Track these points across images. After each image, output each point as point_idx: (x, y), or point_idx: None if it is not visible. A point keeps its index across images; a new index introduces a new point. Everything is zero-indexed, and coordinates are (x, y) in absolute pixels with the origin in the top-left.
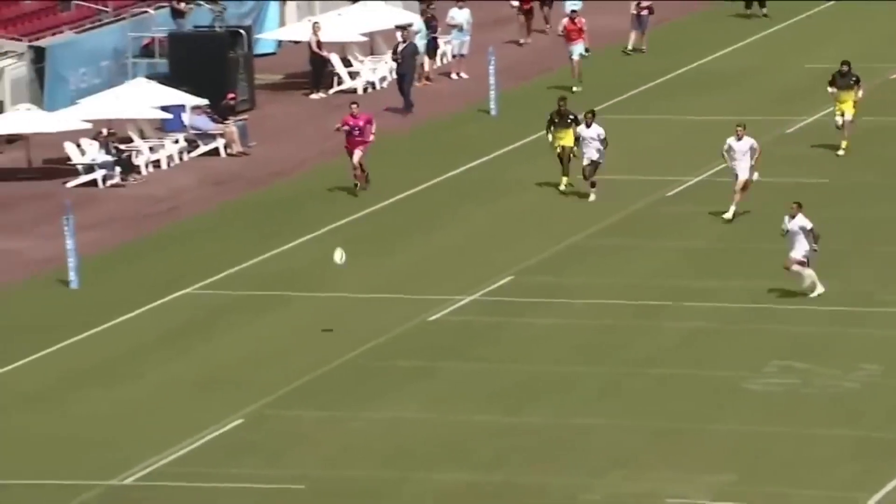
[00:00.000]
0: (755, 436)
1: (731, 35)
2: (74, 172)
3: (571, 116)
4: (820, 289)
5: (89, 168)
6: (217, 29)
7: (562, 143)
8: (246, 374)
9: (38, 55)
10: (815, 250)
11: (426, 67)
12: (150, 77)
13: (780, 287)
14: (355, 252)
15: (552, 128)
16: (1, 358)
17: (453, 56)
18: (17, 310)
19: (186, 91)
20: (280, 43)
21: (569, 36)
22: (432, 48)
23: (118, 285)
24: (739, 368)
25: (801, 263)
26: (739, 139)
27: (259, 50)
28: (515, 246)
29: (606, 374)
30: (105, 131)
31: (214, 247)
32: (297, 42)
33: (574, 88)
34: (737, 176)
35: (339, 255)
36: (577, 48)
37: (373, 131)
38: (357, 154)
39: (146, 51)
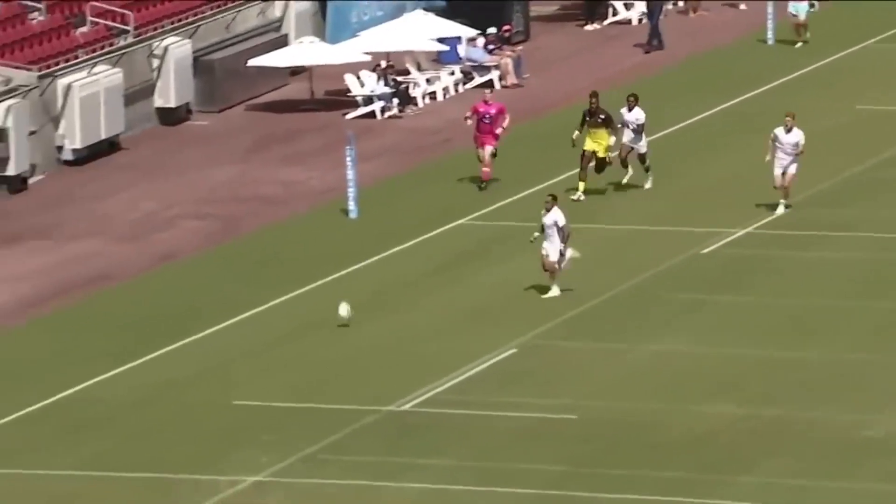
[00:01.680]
0: None
1: None
2: (354, 104)
3: (602, 116)
4: (554, 292)
5: (368, 100)
6: None
7: (594, 146)
8: (520, 304)
9: None
10: (562, 253)
11: None
12: (427, 9)
13: None
14: (631, 183)
15: (583, 126)
16: (285, 286)
17: None
18: (301, 239)
19: (462, 23)
20: None
21: None
22: None
23: (394, 215)
24: None
25: (555, 269)
26: (789, 130)
27: None
28: None
29: (885, 310)
30: (383, 63)
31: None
32: None
33: (797, 45)
34: (781, 170)
35: (345, 311)
36: (801, 6)
37: (504, 123)
38: (488, 149)
39: None
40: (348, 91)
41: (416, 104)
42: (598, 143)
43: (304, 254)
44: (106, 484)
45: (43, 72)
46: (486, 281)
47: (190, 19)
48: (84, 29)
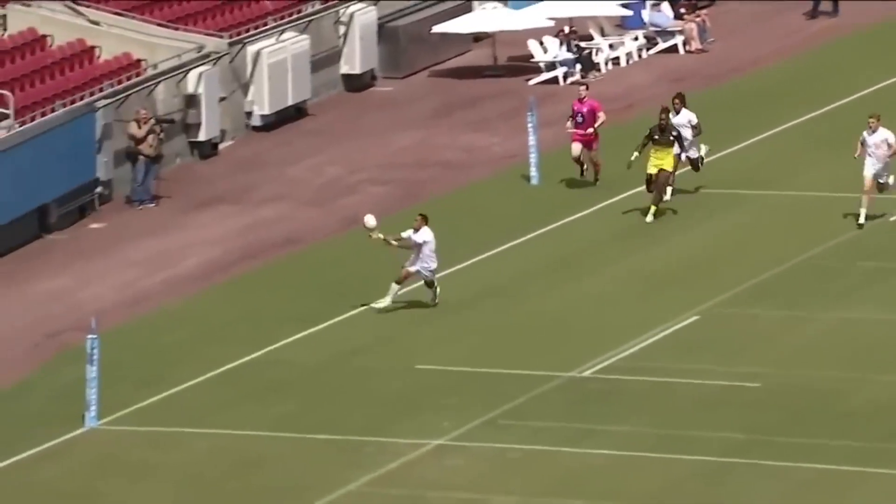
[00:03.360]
0: None
1: None
2: (537, 70)
3: (674, 133)
4: (384, 303)
5: (551, 65)
6: None
7: (660, 163)
8: (701, 272)
9: None
10: (432, 270)
11: None
12: None
13: None
14: (816, 148)
15: (649, 143)
16: (467, 252)
17: None
18: (482, 205)
19: None
20: None
21: None
22: None
23: (576, 181)
24: None
25: (407, 277)
26: (873, 132)
27: None
28: None
29: None
30: (566, 29)
31: None
32: None
33: None
34: (872, 173)
35: (371, 221)
36: None
37: (596, 123)
38: (586, 151)
39: None
40: (531, 57)
41: (599, 70)
42: (662, 161)
43: (485, 220)
44: (292, 445)
45: (233, 39)
46: (667, 248)
47: None
48: None
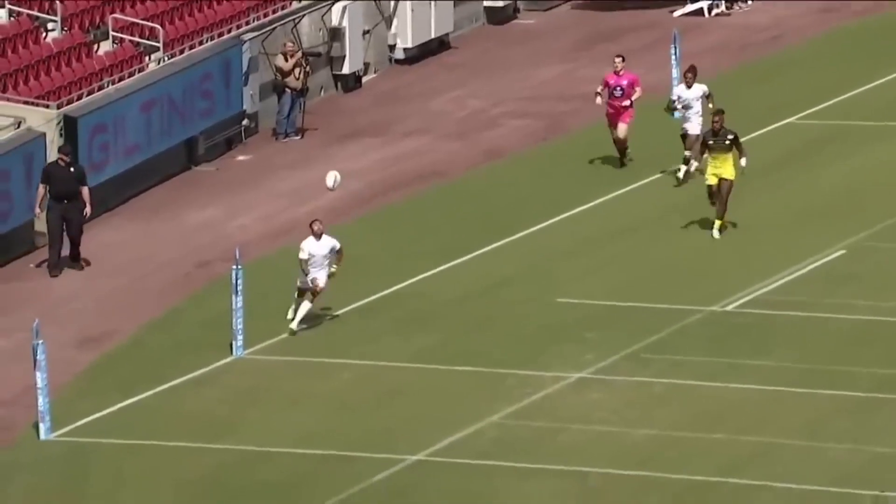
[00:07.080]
0: None
1: None
2: (681, 1)
3: (731, 136)
4: (295, 326)
5: None
6: None
7: (719, 172)
8: (849, 205)
9: None
10: (331, 275)
11: None
12: None
13: None
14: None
15: (706, 151)
16: (609, 185)
17: None
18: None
19: None
20: None
21: None
22: None
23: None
24: None
25: (316, 292)
26: None
27: None
28: None
29: None
30: None
31: (819, 75)
32: None
33: None
34: None
35: (331, 181)
36: None
37: (634, 96)
38: (621, 126)
39: None
40: None
41: (745, 1)
42: (721, 170)
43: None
44: (434, 376)
45: None
46: (814, 180)
47: None
48: None
